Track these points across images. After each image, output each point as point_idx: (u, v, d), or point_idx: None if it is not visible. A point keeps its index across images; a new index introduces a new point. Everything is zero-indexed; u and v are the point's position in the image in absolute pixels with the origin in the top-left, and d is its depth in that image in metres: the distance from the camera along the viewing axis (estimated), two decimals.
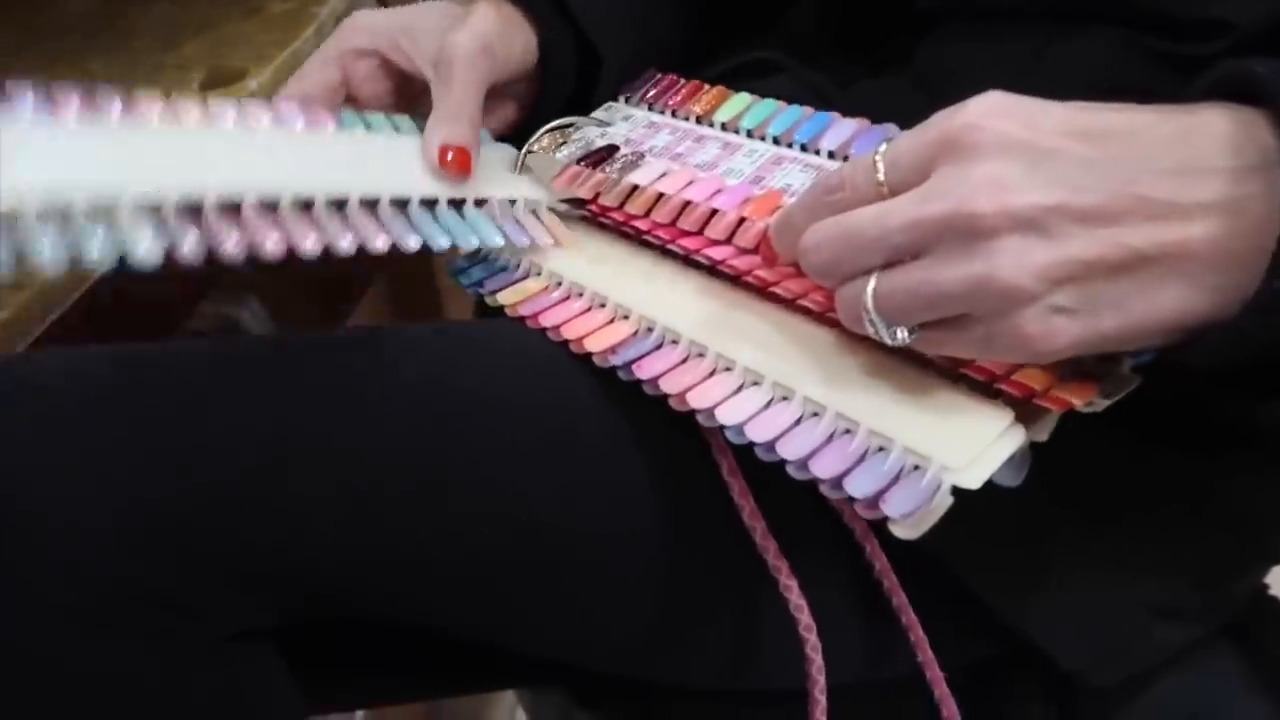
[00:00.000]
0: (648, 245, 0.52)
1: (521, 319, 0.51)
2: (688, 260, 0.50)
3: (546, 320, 0.50)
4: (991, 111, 0.38)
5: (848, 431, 0.42)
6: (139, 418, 0.44)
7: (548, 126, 0.57)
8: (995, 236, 0.36)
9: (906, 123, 0.54)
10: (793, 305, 0.46)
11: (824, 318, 0.45)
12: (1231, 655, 0.54)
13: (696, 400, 0.44)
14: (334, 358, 0.50)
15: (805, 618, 0.47)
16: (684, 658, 0.53)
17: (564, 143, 0.57)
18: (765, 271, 0.46)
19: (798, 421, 0.43)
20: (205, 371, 0.46)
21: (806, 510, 0.46)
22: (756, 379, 0.45)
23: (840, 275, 0.41)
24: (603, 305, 0.50)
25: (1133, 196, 0.36)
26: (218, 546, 0.44)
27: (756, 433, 0.42)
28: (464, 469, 0.47)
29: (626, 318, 0.49)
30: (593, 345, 0.48)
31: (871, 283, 0.39)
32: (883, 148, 0.40)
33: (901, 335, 0.40)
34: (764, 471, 0.43)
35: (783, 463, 0.42)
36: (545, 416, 0.49)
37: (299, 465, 0.45)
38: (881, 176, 0.40)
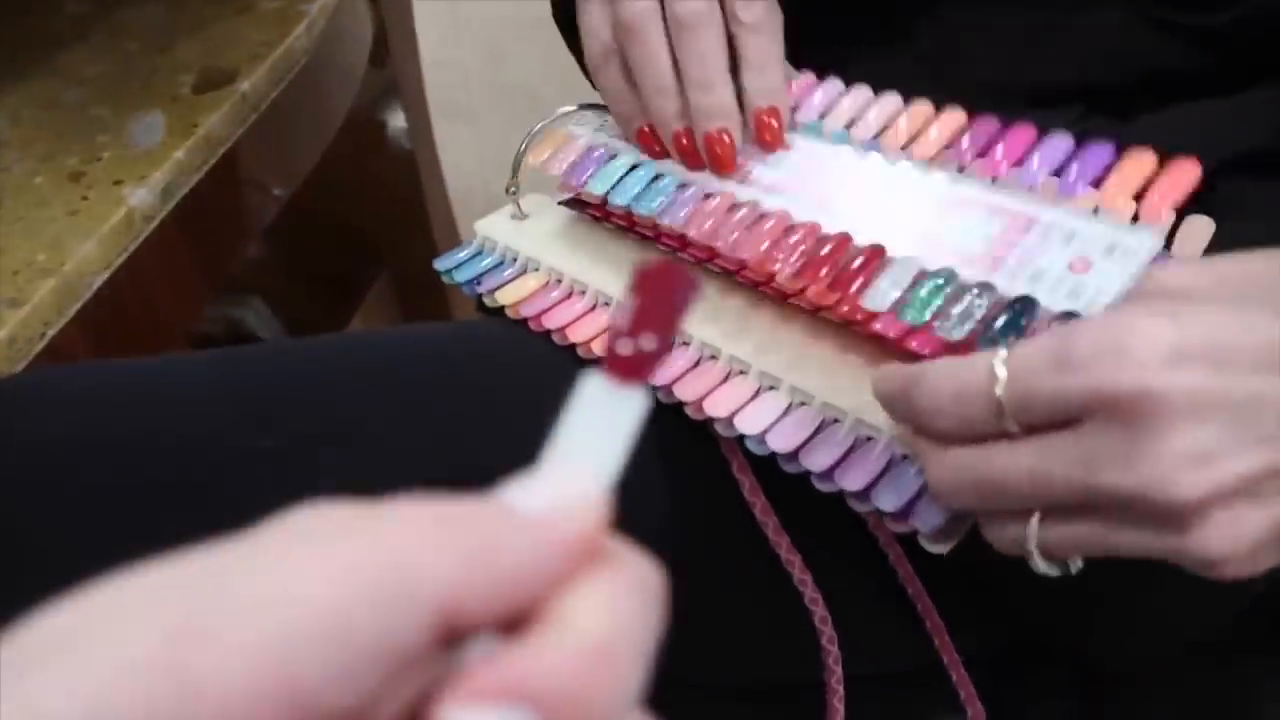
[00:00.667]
0: (651, 243, 0.51)
1: (524, 320, 0.50)
2: (697, 261, 0.49)
3: (550, 322, 0.49)
4: (1169, 361, 0.30)
5: (870, 439, 0.41)
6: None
7: (562, 111, 0.54)
8: (1200, 514, 0.31)
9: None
10: (813, 312, 0.45)
11: (843, 325, 0.44)
12: (1259, 639, 0.54)
13: (713, 408, 0.43)
14: (338, 360, 0.49)
15: (820, 610, 0.47)
16: (703, 653, 0.52)
17: (573, 152, 0.53)
18: (784, 280, 0.45)
19: (819, 429, 0.42)
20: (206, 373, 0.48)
21: (818, 504, 0.45)
22: (773, 384, 0.44)
23: (985, 513, 0.35)
24: (606, 304, 0.49)
25: None
26: None
27: (779, 443, 0.42)
28: (469, 465, 0.46)
29: None
30: (600, 349, 0.47)
31: (1034, 531, 0.34)
32: (1000, 370, 0.33)
33: (1076, 567, 0.35)
34: (774, 468, 0.42)
35: (807, 474, 0.41)
36: (550, 414, 0.48)
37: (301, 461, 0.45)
38: (1003, 398, 0.32)
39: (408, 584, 0.17)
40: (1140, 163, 0.41)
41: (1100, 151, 0.42)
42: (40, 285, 0.58)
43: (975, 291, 0.39)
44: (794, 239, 0.43)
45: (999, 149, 0.44)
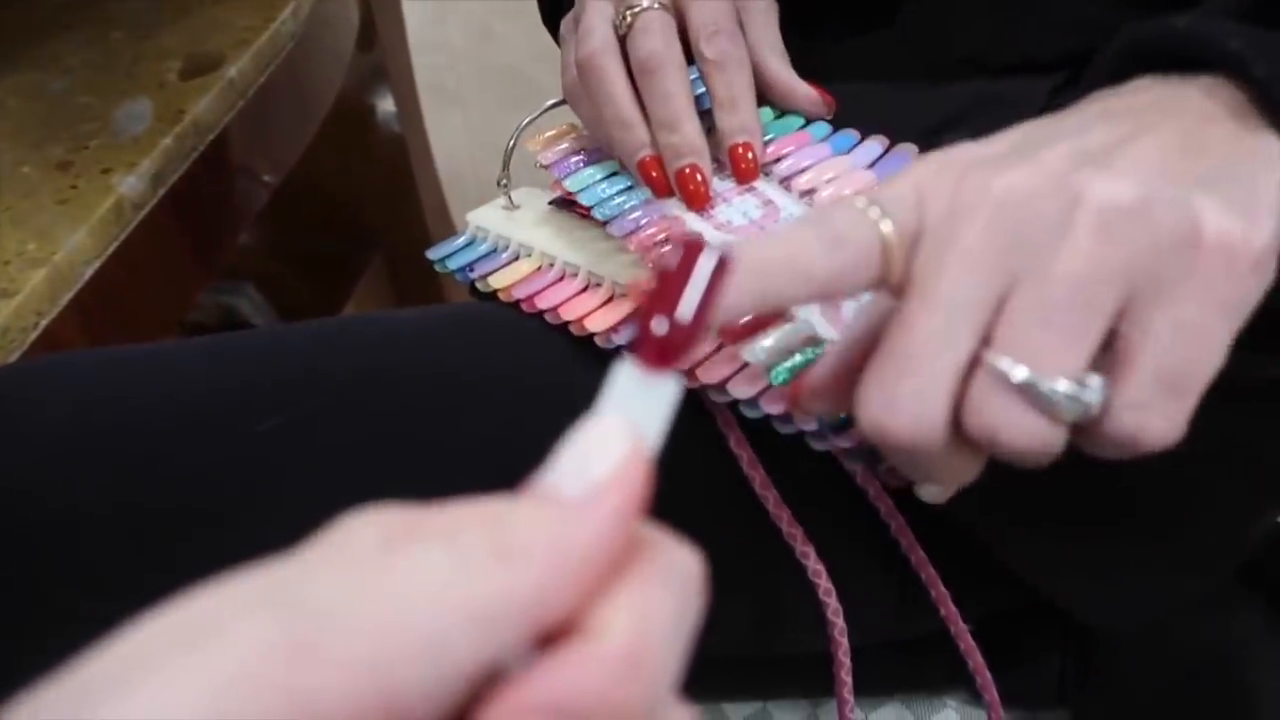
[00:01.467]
0: None
1: (516, 303, 0.50)
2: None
3: (543, 302, 0.49)
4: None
5: None
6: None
7: (550, 103, 0.54)
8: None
9: (893, 78, 0.53)
10: None
11: None
12: (1249, 598, 0.54)
13: (707, 375, 0.43)
14: (334, 343, 0.49)
15: (824, 582, 0.47)
16: (708, 627, 0.52)
17: (572, 144, 0.53)
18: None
19: None
20: (202, 358, 0.48)
21: (819, 475, 0.45)
22: None
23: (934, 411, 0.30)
24: (598, 284, 0.49)
25: None
26: None
27: (773, 405, 0.42)
28: (467, 446, 0.46)
29: (625, 296, 0.48)
30: (593, 325, 0.47)
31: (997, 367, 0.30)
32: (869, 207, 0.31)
33: (1095, 388, 0.30)
34: (773, 440, 0.42)
35: (800, 434, 0.41)
36: (545, 394, 0.48)
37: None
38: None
39: (498, 604, 0.18)
40: None
41: None
42: (32, 275, 0.58)
43: None
44: None
45: None
